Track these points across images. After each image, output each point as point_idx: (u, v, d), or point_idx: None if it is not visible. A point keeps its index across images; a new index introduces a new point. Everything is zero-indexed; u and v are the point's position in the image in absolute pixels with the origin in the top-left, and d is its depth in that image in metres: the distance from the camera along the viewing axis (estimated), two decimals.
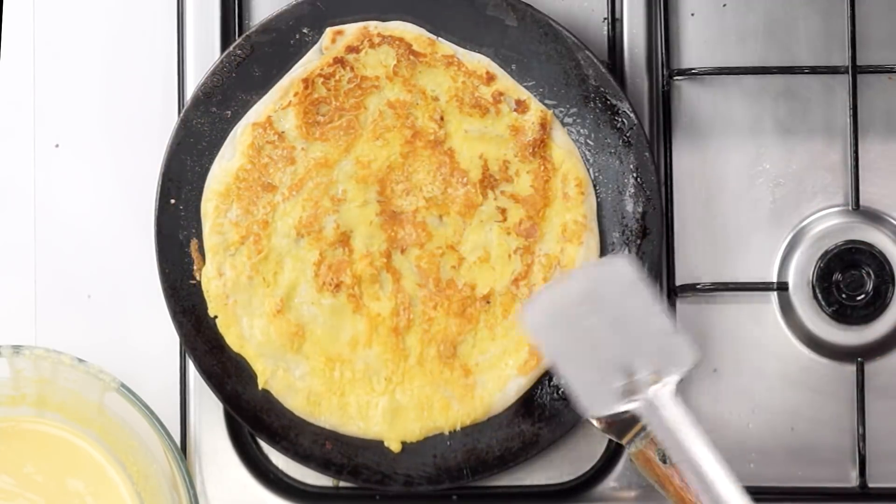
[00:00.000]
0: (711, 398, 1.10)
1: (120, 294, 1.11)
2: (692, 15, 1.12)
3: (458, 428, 1.06)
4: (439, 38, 1.07)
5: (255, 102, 1.07)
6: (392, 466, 1.07)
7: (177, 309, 1.07)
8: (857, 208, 1.09)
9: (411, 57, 1.06)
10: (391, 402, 1.06)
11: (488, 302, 1.05)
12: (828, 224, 1.10)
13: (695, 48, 1.11)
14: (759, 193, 1.11)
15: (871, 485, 1.09)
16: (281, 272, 1.06)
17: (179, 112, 1.09)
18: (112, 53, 1.12)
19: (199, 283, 1.07)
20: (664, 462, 1.02)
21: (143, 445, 1.06)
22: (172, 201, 1.07)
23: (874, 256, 1.09)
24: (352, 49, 1.06)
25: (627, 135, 1.07)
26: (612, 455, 1.10)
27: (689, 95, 1.11)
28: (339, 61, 1.06)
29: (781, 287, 1.10)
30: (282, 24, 1.08)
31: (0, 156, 1.11)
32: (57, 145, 1.12)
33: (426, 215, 1.05)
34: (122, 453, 1.08)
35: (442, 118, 1.06)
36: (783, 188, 1.11)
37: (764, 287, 1.10)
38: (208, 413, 1.10)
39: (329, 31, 1.07)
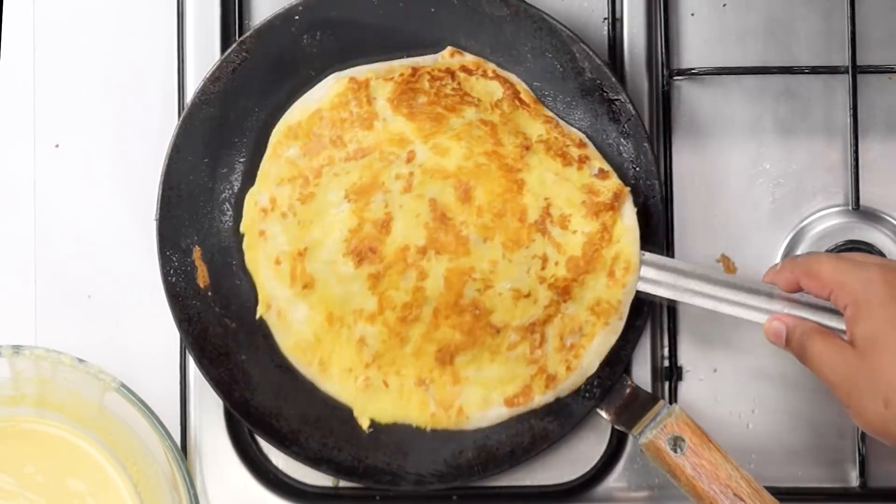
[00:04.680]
0: (711, 398, 1.10)
1: (120, 294, 1.11)
2: (692, 15, 1.12)
3: (428, 429, 1.06)
4: (544, 103, 1.07)
5: (254, 107, 1.08)
6: (402, 466, 1.07)
7: (182, 317, 1.07)
8: (857, 208, 1.09)
9: (515, 101, 1.06)
10: (374, 378, 1.05)
11: (498, 332, 1.05)
12: (828, 224, 1.10)
13: (695, 48, 1.11)
14: (759, 193, 1.11)
15: (871, 485, 1.09)
16: (316, 223, 1.05)
17: (179, 112, 1.09)
18: (112, 53, 1.12)
19: (203, 291, 1.07)
20: (675, 451, 1.02)
21: (143, 445, 1.07)
22: (173, 210, 1.08)
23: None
24: (465, 69, 1.06)
25: (625, 126, 1.07)
26: (612, 455, 1.10)
27: (689, 95, 1.11)
28: (450, 73, 1.06)
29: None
30: (277, 27, 1.07)
31: (0, 156, 1.12)
32: (57, 145, 1.12)
33: (472, 232, 1.04)
34: (123, 453, 1.08)
35: (528, 149, 1.05)
36: (783, 188, 1.11)
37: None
38: (208, 413, 1.10)
39: (450, 49, 1.07)
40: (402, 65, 1.06)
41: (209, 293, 1.08)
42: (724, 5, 1.12)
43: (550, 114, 1.06)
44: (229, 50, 1.08)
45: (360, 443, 1.08)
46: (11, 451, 1.09)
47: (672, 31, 1.11)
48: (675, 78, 1.11)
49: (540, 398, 1.05)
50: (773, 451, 1.10)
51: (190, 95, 1.09)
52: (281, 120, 1.06)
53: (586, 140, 1.06)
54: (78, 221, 1.11)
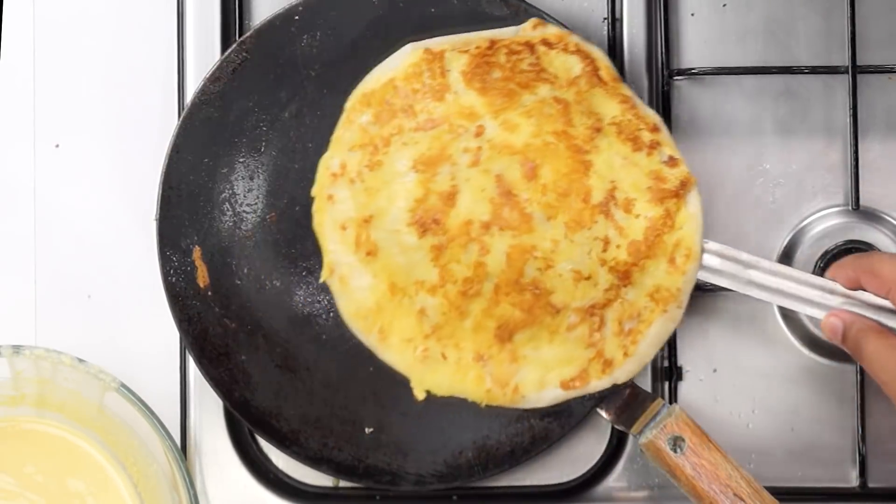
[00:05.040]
0: (711, 398, 1.10)
1: (120, 294, 1.11)
2: (692, 15, 1.12)
3: (483, 405, 1.06)
4: (623, 82, 1.06)
5: (254, 107, 1.08)
6: (402, 466, 1.07)
7: (182, 318, 1.08)
8: (857, 208, 1.09)
9: (594, 79, 1.05)
10: (433, 350, 1.05)
11: (558, 312, 1.04)
12: (828, 224, 1.10)
13: (695, 48, 1.11)
14: (759, 193, 1.11)
15: (871, 485, 1.09)
16: (382, 191, 1.04)
17: (179, 113, 1.09)
18: (112, 53, 1.12)
19: (203, 291, 1.07)
20: (675, 451, 1.02)
21: (143, 445, 1.07)
22: (173, 210, 1.08)
23: None
24: (546, 43, 1.05)
25: None
26: (612, 455, 1.10)
27: (689, 95, 1.11)
28: (529, 46, 1.05)
29: None
30: (277, 27, 1.08)
31: (0, 156, 1.12)
32: (57, 145, 1.12)
33: (535, 210, 1.03)
34: (122, 453, 1.08)
35: (599, 131, 1.04)
36: (783, 188, 1.11)
37: None
38: (208, 413, 1.10)
39: (534, 20, 1.06)
40: (479, 37, 1.06)
41: (209, 293, 1.08)
42: (724, 5, 1.12)
43: (629, 93, 1.05)
44: (229, 50, 1.08)
45: (360, 443, 1.08)
46: (11, 451, 1.09)
47: (672, 31, 1.11)
48: (675, 78, 1.11)
49: (596, 383, 1.05)
50: (773, 451, 1.10)
51: (190, 95, 1.09)
52: (357, 87, 1.06)
53: (661, 124, 1.05)
54: (78, 221, 1.11)
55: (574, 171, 1.03)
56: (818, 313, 1.02)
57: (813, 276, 1.03)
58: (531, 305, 1.04)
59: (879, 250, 1.09)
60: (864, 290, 1.01)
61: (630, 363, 1.05)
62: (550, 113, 1.04)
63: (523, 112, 1.04)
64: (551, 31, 1.05)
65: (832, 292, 1.02)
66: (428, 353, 1.05)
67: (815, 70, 1.10)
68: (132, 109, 1.12)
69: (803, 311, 1.03)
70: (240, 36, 1.10)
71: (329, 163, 1.06)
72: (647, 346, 1.05)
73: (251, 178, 1.08)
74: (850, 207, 1.10)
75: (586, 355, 1.05)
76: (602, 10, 1.11)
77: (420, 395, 1.06)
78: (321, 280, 1.06)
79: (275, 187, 1.09)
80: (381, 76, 1.06)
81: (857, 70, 1.09)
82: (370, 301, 1.05)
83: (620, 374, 1.05)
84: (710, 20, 1.12)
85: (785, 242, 1.10)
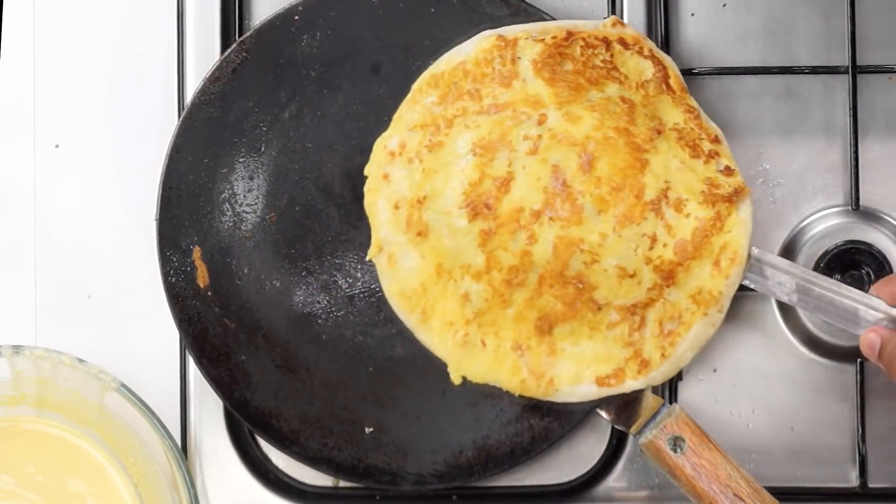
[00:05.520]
0: (711, 398, 1.10)
1: (120, 294, 1.11)
2: (692, 15, 1.12)
3: (518, 395, 1.05)
4: (690, 95, 1.06)
5: (254, 107, 1.08)
6: (402, 466, 1.07)
7: (182, 318, 1.08)
8: (857, 208, 1.09)
9: (662, 85, 1.05)
10: (473, 335, 1.05)
11: (600, 309, 1.04)
12: (828, 224, 1.10)
13: (695, 48, 1.11)
14: (759, 193, 1.11)
15: (871, 485, 1.09)
16: (439, 172, 1.04)
17: (179, 113, 1.09)
18: (112, 54, 1.12)
19: (203, 291, 1.07)
20: (675, 451, 1.02)
21: (144, 445, 1.07)
22: (173, 210, 1.08)
23: (874, 256, 1.09)
24: (622, 42, 1.05)
25: None
26: (612, 455, 1.10)
27: None
28: (606, 42, 1.05)
29: None
30: (277, 27, 1.08)
31: (0, 156, 1.12)
32: (57, 145, 1.12)
33: (587, 202, 1.03)
34: (123, 453, 1.08)
35: (660, 133, 1.04)
36: (783, 188, 1.11)
37: None
38: (208, 413, 1.10)
39: (613, 18, 1.06)
40: (558, 27, 1.06)
41: (209, 293, 1.08)
42: (724, 5, 1.12)
43: (694, 104, 1.06)
44: (229, 50, 1.08)
45: (360, 443, 1.08)
46: (11, 451, 1.09)
47: (672, 31, 1.11)
48: None
49: (632, 383, 1.05)
50: (773, 451, 1.10)
51: (190, 95, 1.09)
52: (427, 69, 1.06)
53: (721, 137, 1.05)
54: (78, 221, 1.11)
55: (630, 167, 1.03)
56: (858, 330, 1.02)
57: (856, 290, 1.02)
58: (574, 299, 1.04)
59: (880, 250, 1.09)
60: None
61: (666, 365, 1.05)
62: (615, 111, 1.04)
63: (588, 106, 1.04)
64: (629, 31, 1.06)
65: (875, 308, 1.02)
66: (468, 339, 1.05)
67: (815, 70, 1.10)
68: (132, 109, 1.12)
69: (845, 326, 1.03)
70: (240, 36, 1.10)
71: (387, 141, 1.06)
72: (685, 348, 1.05)
73: (251, 178, 1.08)
74: (850, 207, 1.10)
75: (624, 354, 1.04)
76: (602, 10, 1.11)
77: (457, 380, 1.06)
78: (368, 258, 1.06)
79: (275, 187, 1.09)
80: (452, 59, 1.06)
81: (857, 70, 1.09)
82: (416, 281, 1.05)
83: (657, 376, 1.05)
84: (710, 20, 1.11)
85: (785, 242, 1.10)
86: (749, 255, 1.04)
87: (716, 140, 1.05)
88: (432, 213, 1.04)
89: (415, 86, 1.06)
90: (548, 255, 1.03)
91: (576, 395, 1.05)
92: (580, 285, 1.03)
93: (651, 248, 1.04)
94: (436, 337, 1.05)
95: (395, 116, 1.06)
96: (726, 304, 1.04)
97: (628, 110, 1.04)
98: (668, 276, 1.04)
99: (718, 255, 1.03)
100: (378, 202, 1.05)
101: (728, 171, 1.04)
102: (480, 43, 1.05)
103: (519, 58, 1.05)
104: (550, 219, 1.03)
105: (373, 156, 1.06)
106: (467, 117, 1.04)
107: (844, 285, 1.03)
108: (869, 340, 1.01)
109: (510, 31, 1.05)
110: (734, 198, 1.03)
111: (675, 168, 1.04)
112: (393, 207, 1.05)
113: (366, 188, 1.06)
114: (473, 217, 1.03)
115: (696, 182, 1.04)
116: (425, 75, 1.06)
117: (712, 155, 1.05)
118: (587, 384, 1.05)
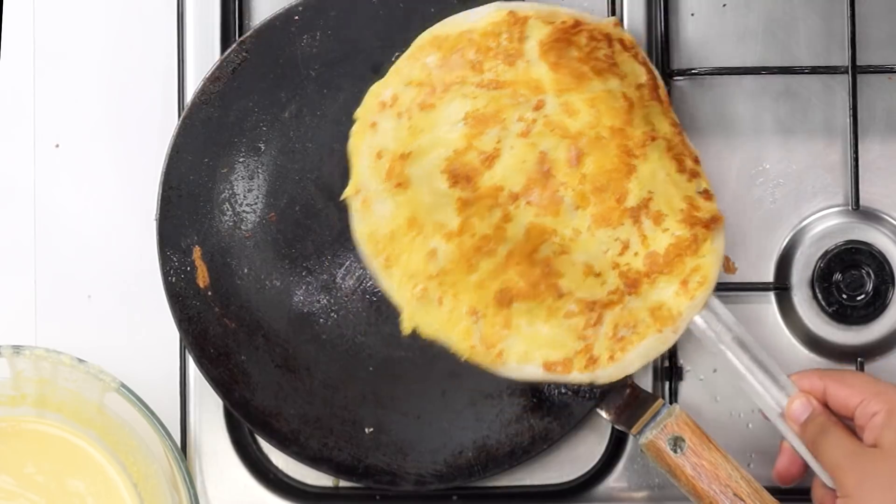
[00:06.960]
0: (711, 398, 1.10)
1: (120, 294, 1.11)
2: (692, 15, 1.12)
3: (464, 359, 1.06)
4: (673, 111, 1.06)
5: (254, 107, 1.08)
6: (402, 466, 1.07)
7: (182, 317, 1.08)
8: (857, 208, 1.09)
9: (654, 93, 1.05)
10: (431, 291, 1.05)
11: (561, 296, 1.05)
12: (828, 224, 1.10)
13: (695, 48, 1.11)
14: (759, 193, 1.11)
15: None
16: (427, 132, 1.04)
17: (179, 112, 1.09)
18: (112, 54, 1.12)
19: (203, 290, 1.07)
20: (675, 451, 1.02)
21: (143, 445, 1.07)
22: (173, 210, 1.08)
23: (874, 256, 1.09)
24: (622, 43, 1.05)
25: None
26: (612, 455, 1.10)
27: (689, 95, 1.11)
28: (607, 38, 1.05)
29: (781, 287, 1.10)
30: (277, 27, 1.08)
31: (0, 156, 1.12)
32: (57, 145, 1.12)
33: (567, 195, 1.04)
34: (123, 453, 1.08)
35: (653, 140, 1.04)
36: (783, 188, 1.11)
37: (764, 287, 1.10)
38: (208, 413, 1.10)
39: (614, 19, 1.06)
40: (567, 13, 1.05)
41: (209, 293, 1.08)
42: (724, 5, 1.12)
43: (677, 120, 1.06)
44: (229, 50, 1.08)
45: (360, 443, 1.08)
46: (11, 451, 1.09)
47: (672, 31, 1.11)
48: (675, 78, 1.11)
49: (578, 375, 1.05)
50: (773, 451, 1.09)
51: (190, 95, 1.09)
52: (428, 29, 1.06)
53: (700, 159, 1.06)
54: (78, 221, 1.11)
55: (617, 171, 1.04)
56: (774, 404, 1.03)
57: (782, 374, 1.03)
58: (538, 281, 1.04)
59: (880, 250, 1.09)
60: (827, 402, 1.02)
61: (613, 368, 1.05)
62: (615, 106, 1.04)
63: (588, 99, 1.04)
64: (627, 36, 1.06)
65: (782, 388, 1.03)
66: (426, 294, 1.05)
67: (815, 70, 1.10)
68: (132, 109, 1.12)
69: (758, 401, 1.04)
70: (240, 36, 1.10)
71: (381, 91, 1.06)
72: (634, 357, 1.05)
73: (251, 178, 1.08)
74: (850, 207, 1.10)
75: (575, 346, 1.05)
76: (602, 10, 1.11)
77: (408, 328, 1.06)
78: (342, 197, 1.06)
79: (275, 187, 1.09)
80: (457, 24, 1.05)
81: (857, 70, 1.09)
82: (386, 228, 1.05)
83: (601, 375, 1.05)
84: (710, 20, 1.12)
85: (785, 242, 1.10)
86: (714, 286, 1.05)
87: (696, 160, 1.06)
88: (415, 170, 1.04)
89: (416, 42, 1.06)
90: (519, 236, 1.04)
91: (521, 373, 1.06)
92: (546, 269, 1.04)
93: (621, 254, 1.04)
94: (395, 284, 1.06)
95: (392, 69, 1.06)
96: (682, 327, 1.05)
97: (628, 108, 1.04)
98: (633, 284, 1.04)
99: (689, 276, 1.04)
100: (361, 147, 1.05)
101: (707, 194, 1.05)
102: (491, 14, 1.05)
103: (527, 37, 1.04)
104: (528, 203, 1.04)
105: (364, 102, 1.06)
106: (465, 87, 1.04)
107: (774, 364, 1.04)
108: (801, 404, 1.02)
109: (522, 6, 1.05)
110: (711, 224, 1.04)
111: (660, 179, 1.04)
112: (375, 155, 1.05)
113: (352, 131, 1.06)
114: (454, 184, 1.04)
115: (678, 199, 1.04)
116: (427, 34, 1.06)
117: (694, 174, 1.05)
118: (534, 366, 1.05)
